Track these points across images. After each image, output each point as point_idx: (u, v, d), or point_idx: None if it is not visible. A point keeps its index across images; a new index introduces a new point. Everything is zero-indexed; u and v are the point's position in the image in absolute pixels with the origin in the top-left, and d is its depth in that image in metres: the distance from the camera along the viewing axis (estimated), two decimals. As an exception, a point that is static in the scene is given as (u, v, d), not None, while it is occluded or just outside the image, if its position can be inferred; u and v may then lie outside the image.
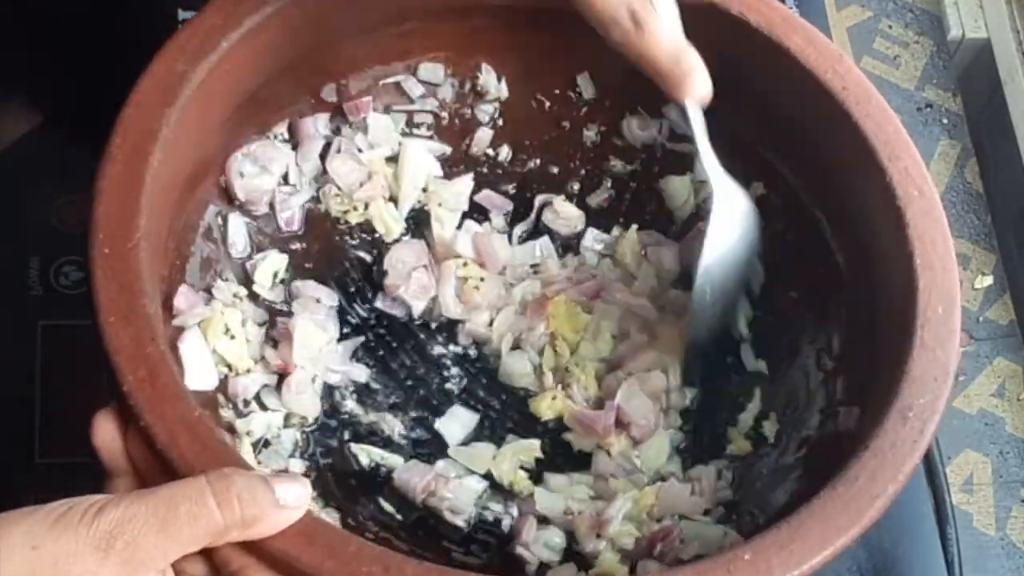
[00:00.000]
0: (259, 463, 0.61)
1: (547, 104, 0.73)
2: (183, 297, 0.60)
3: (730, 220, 0.63)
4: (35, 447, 0.67)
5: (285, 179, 0.68)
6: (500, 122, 0.73)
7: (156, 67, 0.58)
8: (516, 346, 0.69)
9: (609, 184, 0.73)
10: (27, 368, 0.68)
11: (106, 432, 0.51)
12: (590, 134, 0.73)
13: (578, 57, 0.71)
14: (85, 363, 0.67)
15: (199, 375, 0.59)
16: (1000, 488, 0.79)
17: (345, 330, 0.68)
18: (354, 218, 0.70)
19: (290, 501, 0.47)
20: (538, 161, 0.74)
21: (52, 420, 0.67)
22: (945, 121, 0.90)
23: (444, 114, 0.72)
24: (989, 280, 0.85)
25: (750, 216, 0.64)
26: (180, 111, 0.57)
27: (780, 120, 0.67)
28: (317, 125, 0.69)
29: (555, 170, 0.74)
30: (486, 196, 0.72)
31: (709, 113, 0.69)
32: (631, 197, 0.74)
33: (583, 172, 0.74)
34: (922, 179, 0.61)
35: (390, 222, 0.70)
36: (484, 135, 0.73)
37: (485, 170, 0.73)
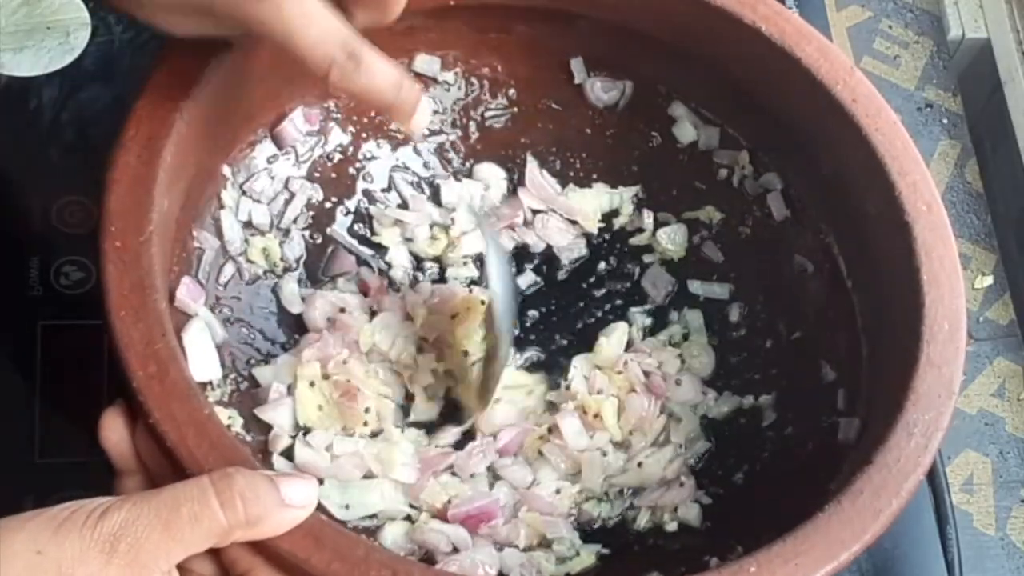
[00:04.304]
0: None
1: (554, 104, 0.74)
2: (186, 289, 0.60)
3: (503, 266, 0.66)
4: (35, 447, 0.67)
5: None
6: (508, 121, 0.74)
7: (171, 59, 0.58)
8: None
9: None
10: (27, 368, 0.68)
11: (113, 430, 0.51)
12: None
13: (578, 51, 0.72)
14: (85, 363, 0.67)
15: (202, 366, 0.59)
16: (1000, 488, 0.79)
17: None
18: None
19: (296, 500, 0.47)
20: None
21: (52, 420, 0.67)
22: (945, 121, 0.90)
23: (450, 110, 0.73)
24: (989, 280, 0.85)
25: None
26: (194, 104, 0.57)
27: (789, 131, 0.67)
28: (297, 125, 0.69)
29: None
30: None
31: (717, 118, 0.70)
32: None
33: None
34: (931, 195, 0.61)
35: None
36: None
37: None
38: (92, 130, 0.74)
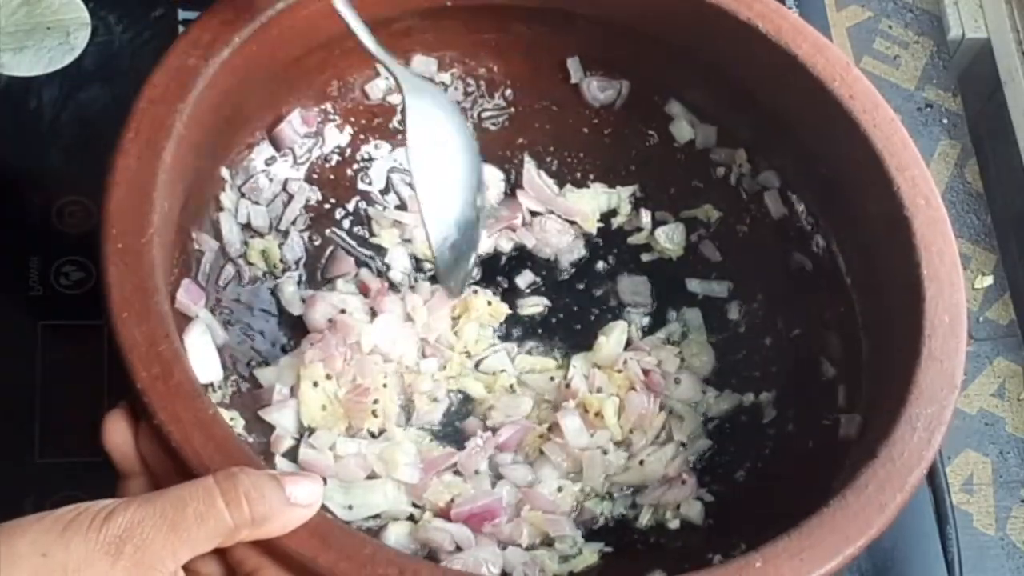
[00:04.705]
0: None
1: (551, 103, 0.74)
2: (186, 291, 0.60)
3: (428, 113, 0.60)
4: (35, 447, 0.67)
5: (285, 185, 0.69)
6: (506, 121, 0.74)
7: (169, 61, 0.57)
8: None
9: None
10: (27, 368, 0.68)
11: (117, 432, 0.51)
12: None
13: (575, 50, 0.72)
14: (85, 363, 0.67)
15: (204, 368, 0.59)
16: (1000, 488, 0.79)
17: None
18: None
19: (301, 499, 0.47)
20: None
21: (52, 420, 0.67)
22: (945, 121, 0.90)
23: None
24: (989, 280, 0.85)
25: (449, 105, 0.63)
26: (193, 106, 0.57)
27: (787, 128, 0.67)
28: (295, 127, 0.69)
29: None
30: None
31: (714, 116, 0.69)
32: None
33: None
34: (929, 190, 0.61)
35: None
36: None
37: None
38: (92, 130, 0.74)
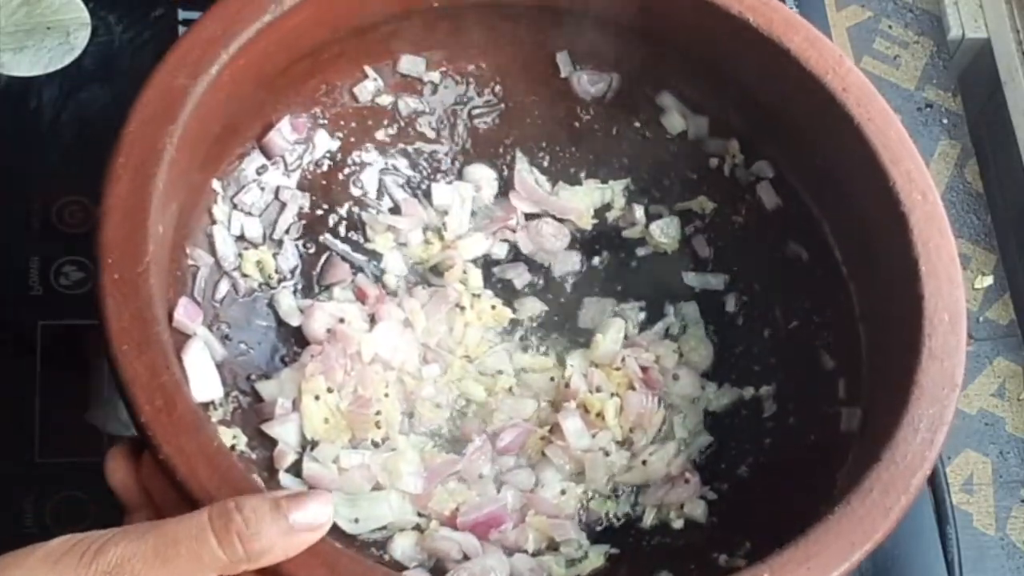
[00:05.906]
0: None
1: (541, 99, 0.73)
2: (184, 310, 0.59)
3: None
4: (35, 447, 0.67)
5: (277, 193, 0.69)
6: (496, 118, 0.74)
7: (157, 81, 0.57)
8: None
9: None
10: (27, 368, 0.68)
11: (119, 469, 0.51)
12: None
13: (564, 45, 0.72)
14: (85, 363, 0.67)
15: (203, 386, 0.58)
16: (1000, 488, 0.79)
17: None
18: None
19: (306, 523, 0.47)
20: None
21: (52, 420, 0.67)
22: (945, 121, 0.90)
23: (437, 110, 0.73)
24: (989, 280, 0.85)
25: None
26: (183, 127, 0.56)
27: (780, 121, 0.67)
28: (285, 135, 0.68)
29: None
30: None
31: (706, 108, 0.69)
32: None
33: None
34: (925, 184, 0.60)
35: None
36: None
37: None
38: (92, 130, 0.75)
